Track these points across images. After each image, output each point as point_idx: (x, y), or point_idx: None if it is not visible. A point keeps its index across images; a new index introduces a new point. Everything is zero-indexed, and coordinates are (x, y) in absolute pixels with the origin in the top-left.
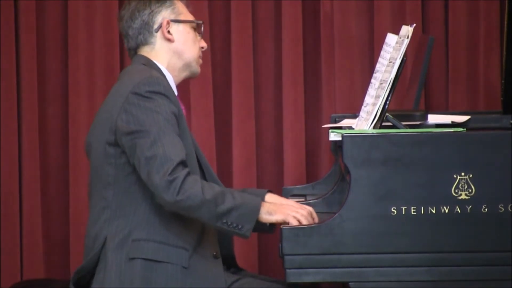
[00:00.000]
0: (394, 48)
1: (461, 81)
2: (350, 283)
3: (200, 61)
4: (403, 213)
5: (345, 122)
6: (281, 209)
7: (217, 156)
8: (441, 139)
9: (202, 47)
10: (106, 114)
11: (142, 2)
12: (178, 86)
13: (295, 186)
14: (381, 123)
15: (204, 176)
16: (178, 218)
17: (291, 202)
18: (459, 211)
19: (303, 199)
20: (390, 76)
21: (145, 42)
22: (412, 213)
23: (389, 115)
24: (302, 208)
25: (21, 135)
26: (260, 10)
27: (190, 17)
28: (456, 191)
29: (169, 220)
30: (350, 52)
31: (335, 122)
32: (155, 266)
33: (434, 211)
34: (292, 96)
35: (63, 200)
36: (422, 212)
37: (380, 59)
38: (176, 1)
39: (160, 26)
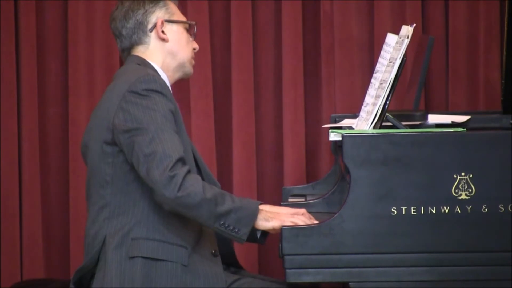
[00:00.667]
0: (394, 48)
1: (461, 81)
2: (350, 283)
3: (193, 62)
4: (403, 213)
5: (345, 122)
6: (278, 216)
7: (217, 156)
8: (441, 139)
9: (194, 49)
10: (103, 114)
11: (136, 2)
12: (178, 86)
13: (295, 186)
14: (381, 123)
15: (200, 174)
16: (178, 216)
17: (285, 209)
18: (459, 211)
19: (303, 199)
20: (390, 76)
21: (139, 42)
22: (412, 213)
23: (389, 115)
24: (297, 212)
25: (21, 135)
26: (260, 10)
27: (182, 18)
28: (456, 191)
29: (168, 218)
30: (350, 52)
31: (335, 122)
32: (155, 264)
33: (434, 211)
34: (292, 96)
35: (63, 200)
36: (422, 212)
37: (380, 59)
38: (168, 2)
39: (154, 26)
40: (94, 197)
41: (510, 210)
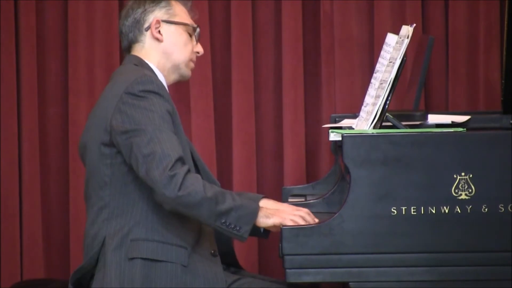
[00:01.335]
0: (394, 48)
1: (461, 81)
2: (350, 283)
3: (192, 64)
4: (403, 213)
5: (345, 122)
6: (278, 213)
7: (217, 156)
8: (441, 139)
9: (198, 52)
10: (100, 115)
11: (138, 1)
12: (177, 86)
13: (295, 186)
14: (381, 123)
15: (199, 174)
16: (177, 217)
17: (286, 206)
18: (459, 211)
19: (303, 199)
20: (390, 76)
21: (135, 40)
22: (412, 213)
23: (389, 115)
24: (298, 210)
25: (21, 135)
26: (260, 10)
27: (187, 20)
28: (456, 191)
29: (168, 218)
30: (350, 52)
31: (335, 122)
32: (155, 265)
33: (434, 211)
34: (292, 96)
35: (63, 200)
36: (422, 212)
37: (380, 59)
38: (174, 3)
39: (150, 25)
40: (93, 198)
41: (510, 210)
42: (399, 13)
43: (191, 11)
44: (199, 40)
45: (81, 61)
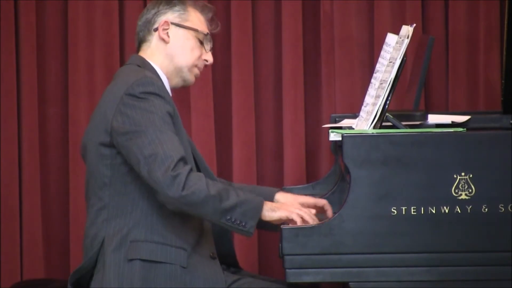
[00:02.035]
0: (394, 48)
1: (461, 81)
2: (350, 283)
3: (196, 71)
4: (403, 213)
5: (345, 122)
6: (285, 206)
7: (217, 156)
8: (441, 139)
9: (206, 60)
10: (100, 116)
11: (154, 2)
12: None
13: (295, 186)
14: (381, 123)
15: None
16: (177, 217)
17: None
18: (459, 211)
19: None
20: (390, 76)
21: (144, 40)
22: (412, 213)
23: (389, 115)
24: (300, 209)
25: (21, 135)
26: (260, 10)
27: (199, 27)
28: (456, 191)
29: (167, 219)
30: (350, 52)
31: (335, 122)
32: (154, 266)
33: (434, 211)
34: (292, 96)
35: (63, 200)
36: (422, 212)
37: (380, 59)
38: (191, 10)
39: (158, 26)
40: (92, 198)
41: (510, 210)
42: (399, 13)
43: (211, 21)
44: (211, 49)
45: (81, 61)
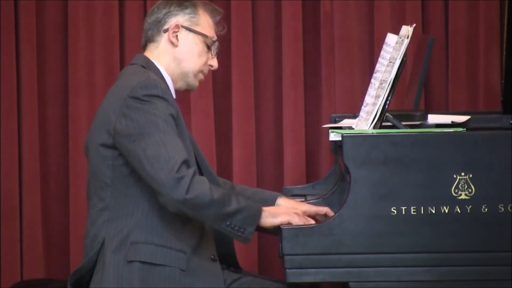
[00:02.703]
0: (394, 48)
1: (461, 81)
2: (350, 283)
3: (201, 76)
4: (403, 213)
5: (345, 122)
6: (284, 210)
7: (217, 156)
8: (441, 139)
9: (211, 66)
10: (103, 117)
11: (165, 2)
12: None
13: (295, 186)
14: (381, 123)
15: (200, 173)
16: (178, 220)
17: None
18: (459, 211)
19: (303, 199)
20: (390, 76)
21: (152, 39)
22: (412, 213)
23: (389, 115)
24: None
25: (21, 135)
26: (260, 10)
27: (208, 32)
28: (456, 191)
29: (168, 222)
30: (350, 52)
31: (335, 122)
32: (153, 268)
33: (434, 211)
34: (292, 96)
35: (63, 200)
36: (422, 212)
37: (380, 59)
38: (202, 13)
39: (169, 28)
40: (94, 198)
41: (510, 210)
42: (399, 13)
43: (218, 24)
44: (217, 54)
45: (81, 61)
